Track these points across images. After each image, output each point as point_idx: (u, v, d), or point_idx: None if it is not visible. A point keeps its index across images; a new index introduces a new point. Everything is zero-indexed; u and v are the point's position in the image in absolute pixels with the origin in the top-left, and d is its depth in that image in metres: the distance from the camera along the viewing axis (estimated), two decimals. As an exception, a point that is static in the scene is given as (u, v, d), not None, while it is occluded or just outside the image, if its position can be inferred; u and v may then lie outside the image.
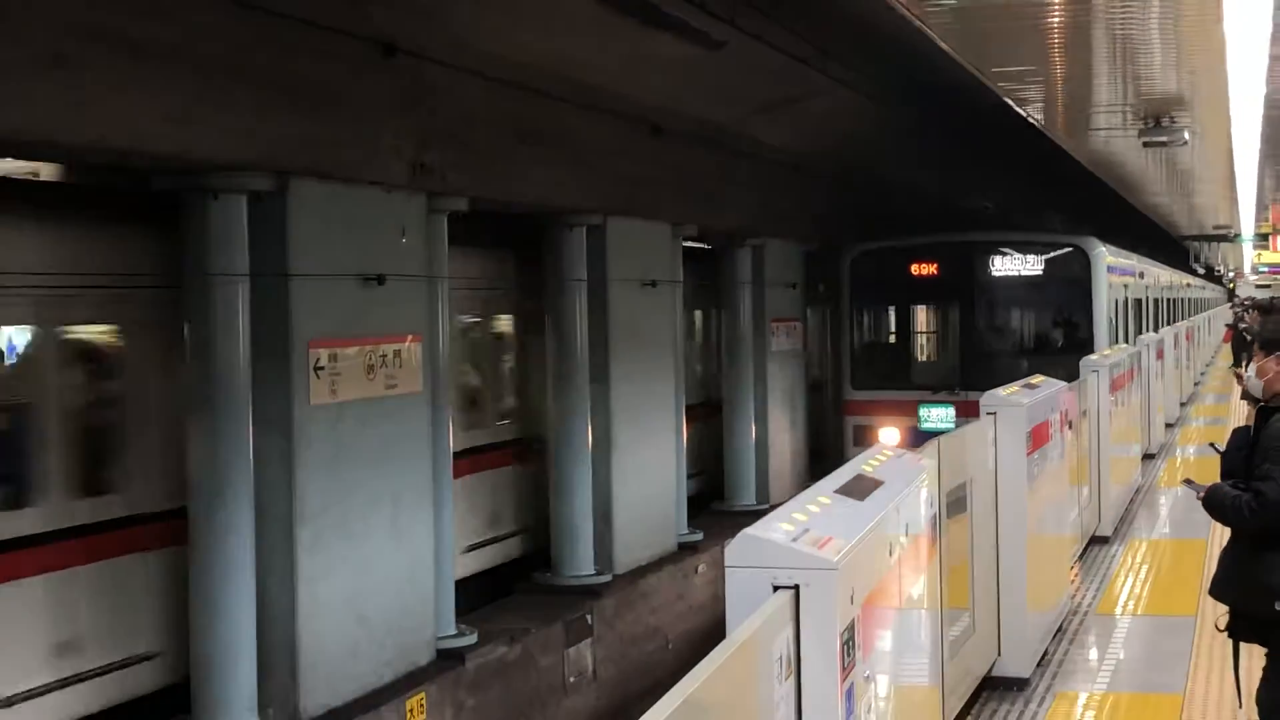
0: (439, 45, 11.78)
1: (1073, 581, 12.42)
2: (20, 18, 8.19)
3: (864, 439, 21.08)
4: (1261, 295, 57.05)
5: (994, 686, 9.33)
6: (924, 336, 25.33)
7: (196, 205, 10.34)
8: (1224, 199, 28.61)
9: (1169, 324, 34.14)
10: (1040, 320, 23.71)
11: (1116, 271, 23.82)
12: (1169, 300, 37.98)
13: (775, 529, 4.16)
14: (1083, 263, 21.98)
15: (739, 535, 4.06)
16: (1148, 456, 20.96)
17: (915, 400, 21.80)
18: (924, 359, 24.40)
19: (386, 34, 11.21)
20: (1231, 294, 74.10)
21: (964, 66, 12.11)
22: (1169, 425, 25.43)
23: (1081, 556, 13.69)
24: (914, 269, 22.72)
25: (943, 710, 7.05)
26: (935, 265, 22.62)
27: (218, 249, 10.34)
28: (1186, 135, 15.20)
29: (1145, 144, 15.52)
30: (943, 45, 10.69)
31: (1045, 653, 10.18)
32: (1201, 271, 56.65)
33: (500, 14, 11.70)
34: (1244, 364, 21.69)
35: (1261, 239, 38.47)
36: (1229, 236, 41.35)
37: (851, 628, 4.27)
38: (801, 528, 4.27)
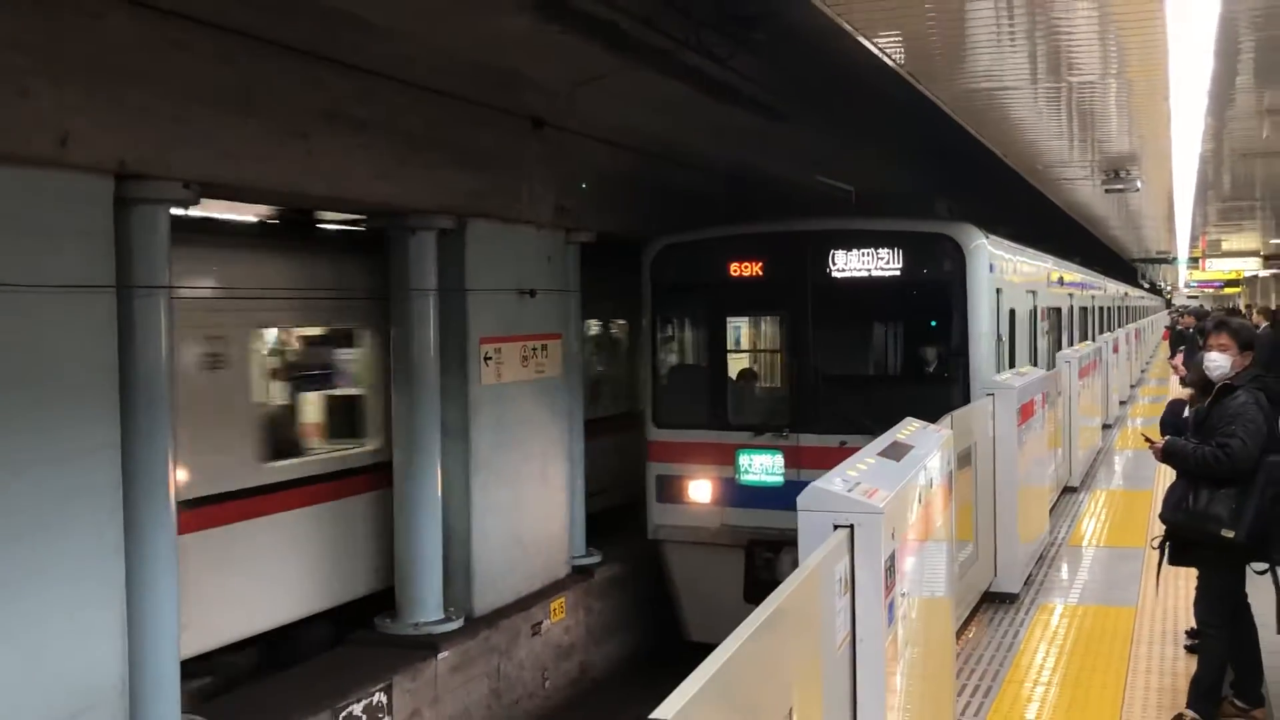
0: (574, 120, 11.85)
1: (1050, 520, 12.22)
2: (274, 104, 8.35)
3: (671, 493, 12.45)
4: (1192, 304, 56.48)
5: (991, 600, 9.22)
6: (745, 359, 14.07)
7: (400, 239, 10.48)
8: (1165, 231, 27.85)
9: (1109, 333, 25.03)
10: (897, 337, 12.89)
11: (1010, 271, 13.20)
12: (1105, 309, 28.60)
13: (835, 483, 4.15)
14: (954, 258, 11.51)
15: (809, 487, 4.04)
16: (1106, 426, 20.54)
17: (733, 445, 12.12)
18: (745, 390, 13.35)
19: (536, 112, 11.29)
20: (1169, 303, 72.48)
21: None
22: (1122, 403, 24.87)
23: (1057, 502, 13.46)
24: (733, 268, 12.25)
25: (955, 617, 6.98)
26: (759, 263, 12.19)
27: (415, 271, 10.47)
28: (1139, 184, 14.87)
29: (1106, 191, 15.19)
30: (948, 111, 10.11)
31: (1030, 574, 10.04)
32: (1147, 286, 55.46)
33: (617, 99, 11.75)
34: (1176, 356, 20.92)
35: (1193, 261, 37.44)
36: (1169, 259, 40.36)
37: (892, 557, 4.24)
38: (854, 481, 4.26)
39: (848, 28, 6.91)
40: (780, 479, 11.92)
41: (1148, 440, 6.85)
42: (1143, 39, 7.48)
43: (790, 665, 3.32)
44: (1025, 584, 9.72)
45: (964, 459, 8.13)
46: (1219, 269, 35.97)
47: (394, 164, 9.64)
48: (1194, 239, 29.20)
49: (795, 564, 11.85)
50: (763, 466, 12.05)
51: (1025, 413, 9.94)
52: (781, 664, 3.24)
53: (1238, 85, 8.89)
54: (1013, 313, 13.12)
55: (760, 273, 12.29)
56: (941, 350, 11.94)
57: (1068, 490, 14.36)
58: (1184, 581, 6.98)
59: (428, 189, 10.20)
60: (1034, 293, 15.12)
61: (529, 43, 9.86)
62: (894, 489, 4.35)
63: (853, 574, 3.93)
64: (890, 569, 4.20)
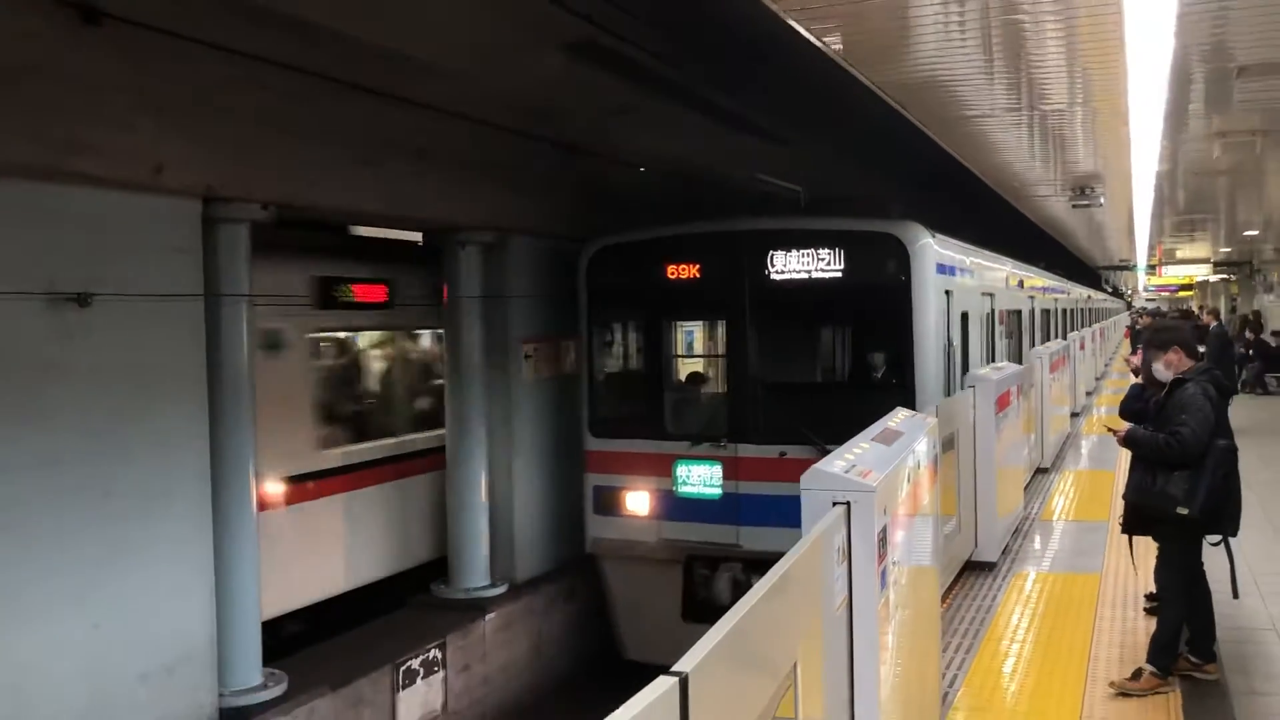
0: (604, 148, 11.85)
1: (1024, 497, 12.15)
2: (345, 133, 8.38)
3: (608, 505, 10.77)
4: (1151, 306, 55.89)
5: (972, 568, 9.18)
6: (682, 366, 12.10)
7: (453, 252, 10.52)
8: (1126, 241, 27.65)
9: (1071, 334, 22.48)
10: (841, 342, 11.43)
11: (959, 273, 11.10)
12: (1069, 311, 26.27)
13: (834, 465, 4.15)
14: (898, 258, 9.81)
15: (812, 468, 4.04)
16: (1074, 414, 20.40)
17: (670, 455, 10.43)
18: (682, 398, 11.53)
19: (569, 140, 11.30)
20: (1130, 305, 71.90)
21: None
22: (1088, 393, 24.69)
23: (1030, 481, 13.39)
24: (670, 270, 10.58)
25: (940, 584, 6.96)
26: (697, 265, 10.54)
27: (464, 280, 10.52)
28: (1102, 199, 14.75)
29: (1074, 206, 15.07)
30: (931, 134, 9.60)
31: (1007, 545, 9.99)
32: (1110, 290, 55.07)
33: (642, 129, 11.75)
34: (1135, 354, 20.46)
35: (1150, 268, 37.12)
36: (1129, 266, 40.00)
37: (884, 530, 4.24)
38: (851, 463, 4.25)
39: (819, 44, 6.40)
40: (719, 491, 10.08)
41: (1110, 429, 6.81)
42: (1105, 71, 7.45)
43: (795, 625, 3.33)
44: (1002, 554, 9.67)
45: (948, 443, 8.10)
46: (1174, 274, 35.65)
47: (448, 186, 9.68)
48: (1151, 248, 28.97)
49: (733, 582, 10.26)
50: (701, 478, 10.18)
51: (1002, 402, 9.89)
52: (787, 623, 3.25)
53: (1190, 112, 8.83)
54: (965, 316, 11.21)
55: (698, 274, 10.43)
56: (886, 356, 10.22)
57: (1040, 471, 14.26)
58: (1143, 550, 6.93)
59: (475, 209, 10.26)
60: (991, 295, 13.20)
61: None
62: (885, 470, 4.34)
63: (849, 545, 3.92)
64: (883, 540, 4.20)
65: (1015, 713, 6.03)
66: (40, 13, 6.15)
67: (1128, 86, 7.66)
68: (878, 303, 10.02)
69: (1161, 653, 6.28)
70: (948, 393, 9.89)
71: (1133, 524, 6.47)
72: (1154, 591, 7.03)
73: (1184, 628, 6.43)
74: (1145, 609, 7.64)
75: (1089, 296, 36.21)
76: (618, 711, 2.06)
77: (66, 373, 6.54)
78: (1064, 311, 25.30)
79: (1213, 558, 6.34)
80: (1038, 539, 10.58)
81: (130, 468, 6.81)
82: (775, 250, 10.04)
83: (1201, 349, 7.54)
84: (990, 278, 13.42)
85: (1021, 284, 16.83)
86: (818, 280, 9.93)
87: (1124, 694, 6.17)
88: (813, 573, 3.60)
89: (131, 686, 6.89)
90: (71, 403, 6.56)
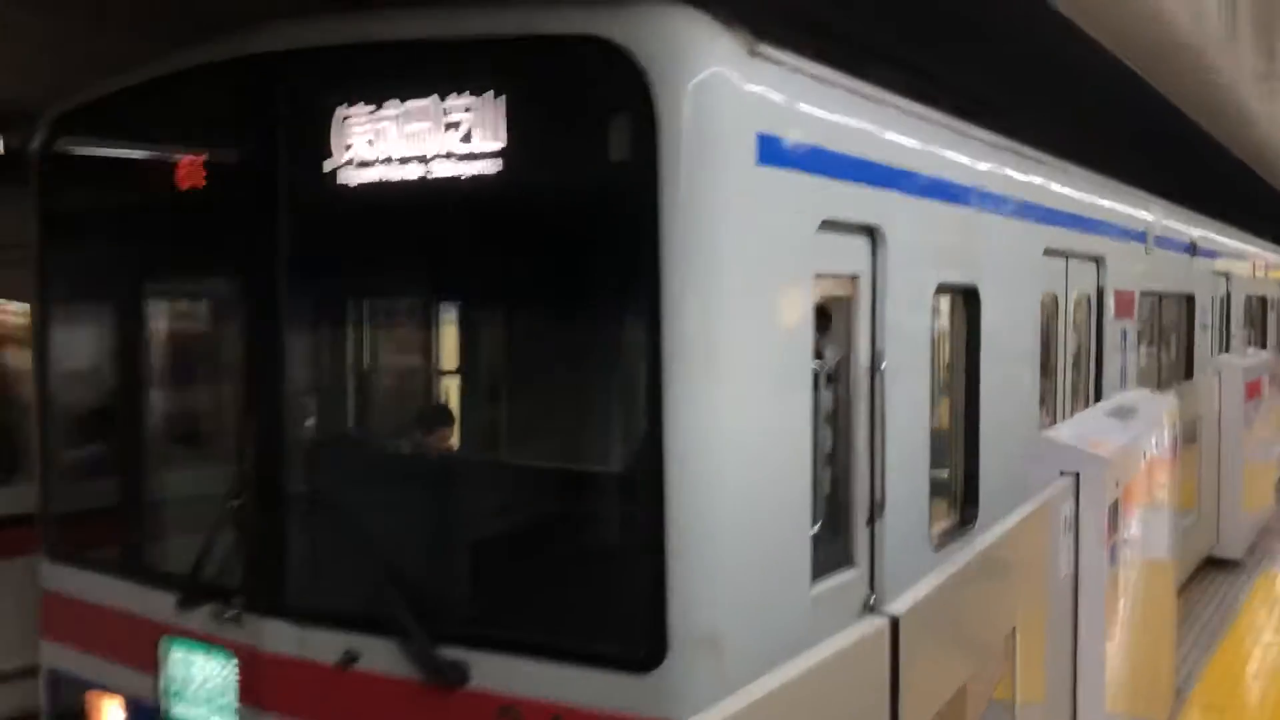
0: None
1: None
2: None
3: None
4: None
5: (1213, 565, 8.59)
6: (197, 398, 4.41)
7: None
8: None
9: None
10: (503, 353, 4.58)
11: (910, 185, 3.91)
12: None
13: (1063, 433, 4.01)
14: (633, 109, 2.82)
15: (1040, 437, 3.91)
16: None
17: (157, 623, 3.68)
18: (168, 479, 4.08)
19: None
20: None
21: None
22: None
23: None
24: (151, 173, 3.70)
25: (1176, 576, 6.56)
26: (186, 151, 3.63)
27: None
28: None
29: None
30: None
31: (1254, 543, 9.28)
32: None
33: None
34: None
35: None
36: None
37: (1115, 506, 4.07)
38: (1080, 433, 4.10)
39: None
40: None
41: None
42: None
43: (1015, 589, 3.25)
44: (1248, 551, 8.99)
45: (1189, 432, 7.58)
46: None
47: None
48: None
49: None
50: (203, 687, 3.74)
51: (1252, 391, 9.18)
52: (1007, 586, 3.18)
53: None
54: (977, 308, 4.62)
55: (201, 180, 3.79)
56: (597, 394, 3.85)
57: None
58: None
59: None
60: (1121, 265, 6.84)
61: None
62: (1118, 443, 4.15)
63: (1076, 516, 3.78)
64: (1113, 516, 4.02)
65: (1259, 717, 5.62)
66: None
67: None
68: (583, 246, 3.32)
69: None
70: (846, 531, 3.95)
71: None
72: None
73: None
74: None
75: None
76: (828, 640, 2.07)
77: None
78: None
79: None
80: (1290, 539, 9.77)
81: None
82: (343, 104, 3.42)
83: None
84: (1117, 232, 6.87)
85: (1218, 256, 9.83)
86: (439, 184, 3.27)
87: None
88: (1036, 541, 3.50)
89: None
90: None
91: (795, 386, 3.17)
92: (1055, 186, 5.64)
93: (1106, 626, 3.83)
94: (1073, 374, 5.95)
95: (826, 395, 3.53)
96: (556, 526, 3.48)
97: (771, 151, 3.09)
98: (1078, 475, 3.80)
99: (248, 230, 3.54)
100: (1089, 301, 6.24)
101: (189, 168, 3.76)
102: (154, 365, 4.32)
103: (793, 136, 3.20)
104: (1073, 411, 5.69)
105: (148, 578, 3.90)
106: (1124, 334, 6.76)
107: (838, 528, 3.53)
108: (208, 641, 3.62)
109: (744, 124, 2.99)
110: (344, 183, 3.31)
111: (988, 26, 4.76)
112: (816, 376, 3.31)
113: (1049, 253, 5.40)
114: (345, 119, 3.33)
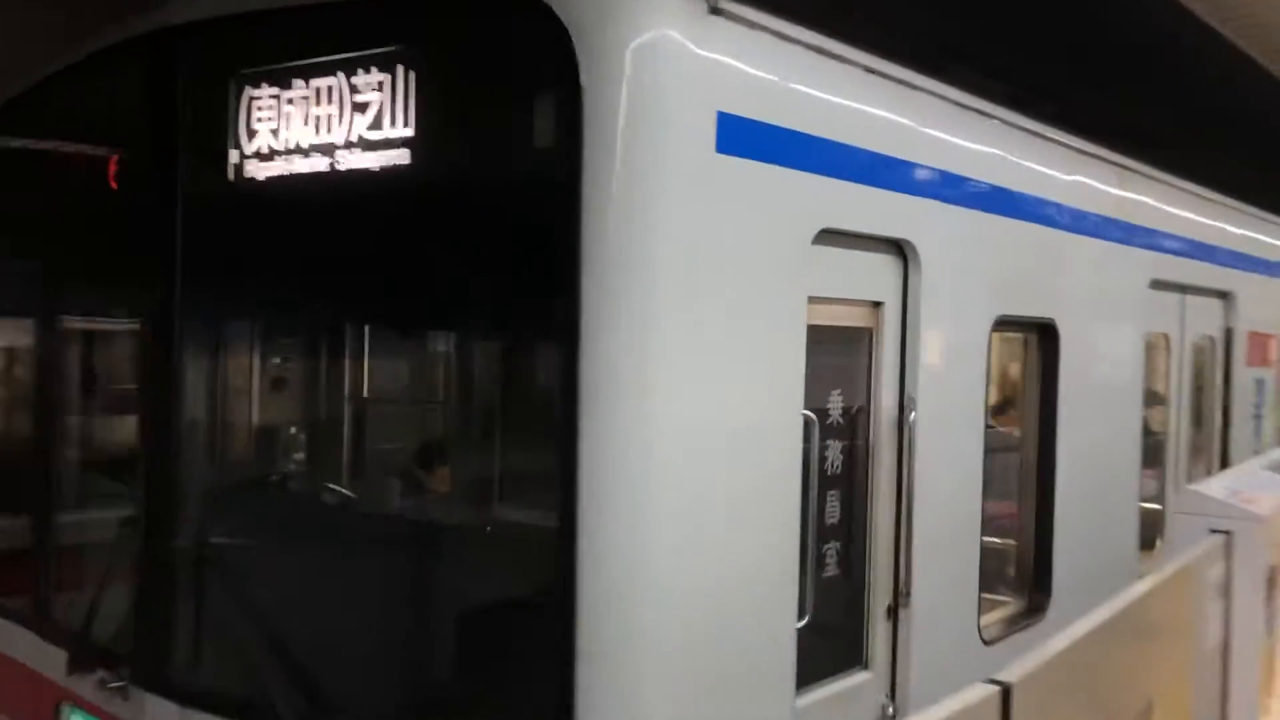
0: None
1: None
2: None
3: None
4: None
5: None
6: (86, 431, 3.87)
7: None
8: None
9: None
10: (427, 378, 3.88)
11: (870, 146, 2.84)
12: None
13: (1213, 488, 3.66)
14: (561, 81, 2.19)
15: (1186, 490, 3.57)
16: None
17: (54, 688, 3.20)
18: (74, 530, 3.52)
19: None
20: None
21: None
22: None
23: None
24: (62, 166, 3.28)
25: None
26: (95, 144, 3.16)
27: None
28: None
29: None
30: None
31: None
32: None
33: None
34: None
35: None
36: None
37: (1273, 569, 3.67)
38: (1234, 489, 3.73)
39: None
40: None
41: None
42: None
43: (1152, 660, 2.93)
44: None
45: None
46: None
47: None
48: None
49: None
50: None
51: None
52: (1142, 656, 2.86)
53: None
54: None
55: (110, 175, 3.36)
56: (513, 446, 3.52)
57: None
58: None
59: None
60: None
61: None
62: (1278, 499, 3.76)
63: (1228, 580, 3.43)
64: (1273, 581, 3.63)
65: None
66: None
67: None
68: (496, 253, 2.57)
69: None
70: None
71: None
72: None
73: None
74: None
75: None
76: (934, 707, 1.80)
77: None
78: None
79: None
80: None
81: None
82: (253, 84, 2.99)
83: None
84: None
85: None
86: (350, 175, 2.76)
87: None
88: (1179, 608, 3.16)
89: None
90: None
91: (775, 438, 2.49)
92: (1166, 206, 4.60)
93: (1261, 702, 3.47)
94: (1190, 433, 4.99)
95: (833, 452, 2.87)
96: (455, 600, 2.78)
97: (737, 136, 2.38)
98: (1230, 534, 3.45)
99: (143, 237, 3.04)
100: (1212, 345, 5.27)
101: (88, 166, 3.35)
102: (61, 391, 3.84)
103: (770, 119, 2.46)
104: (1190, 479, 4.71)
105: (48, 631, 3.42)
106: (1259, 384, 5.72)
107: (843, 620, 2.96)
108: (95, 715, 3.11)
109: (698, 100, 2.31)
110: (246, 182, 2.84)
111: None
112: (810, 427, 2.61)
113: (1157, 285, 4.52)
114: (244, 98, 2.87)
